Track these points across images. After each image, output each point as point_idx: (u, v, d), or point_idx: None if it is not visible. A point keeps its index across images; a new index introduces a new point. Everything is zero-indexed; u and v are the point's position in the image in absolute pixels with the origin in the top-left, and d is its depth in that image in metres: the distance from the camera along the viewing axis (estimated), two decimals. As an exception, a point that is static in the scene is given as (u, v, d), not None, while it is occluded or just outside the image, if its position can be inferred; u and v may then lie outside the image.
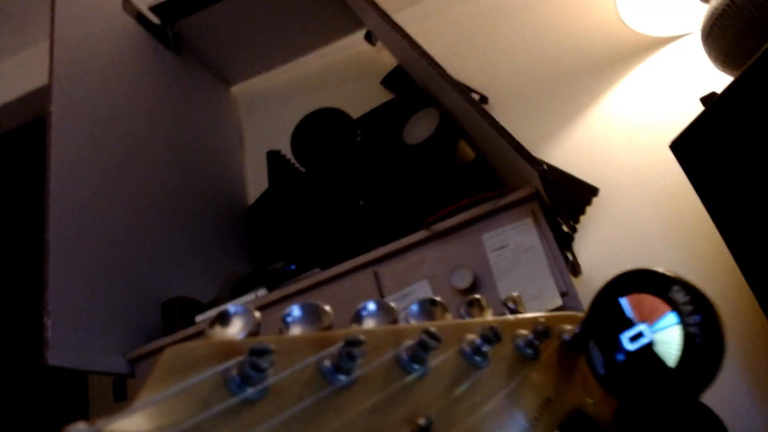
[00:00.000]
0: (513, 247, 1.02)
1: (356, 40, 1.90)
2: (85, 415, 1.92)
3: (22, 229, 2.05)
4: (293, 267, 1.26)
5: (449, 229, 1.09)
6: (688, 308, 0.27)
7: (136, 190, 1.44)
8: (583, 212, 1.46)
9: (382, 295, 1.09)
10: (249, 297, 1.21)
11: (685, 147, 1.16)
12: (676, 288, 0.27)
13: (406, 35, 1.22)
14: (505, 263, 1.02)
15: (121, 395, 1.94)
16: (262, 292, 1.21)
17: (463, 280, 1.02)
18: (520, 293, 0.96)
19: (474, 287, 1.02)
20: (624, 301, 0.29)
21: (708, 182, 1.12)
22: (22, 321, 1.88)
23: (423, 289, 1.06)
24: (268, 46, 1.92)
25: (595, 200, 1.47)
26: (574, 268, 1.28)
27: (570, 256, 1.19)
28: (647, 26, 1.52)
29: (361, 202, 1.50)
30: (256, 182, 1.92)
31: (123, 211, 1.37)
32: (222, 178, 1.84)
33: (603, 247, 1.42)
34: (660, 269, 0.29)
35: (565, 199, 1.44)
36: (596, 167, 1.50)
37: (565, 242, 1.16)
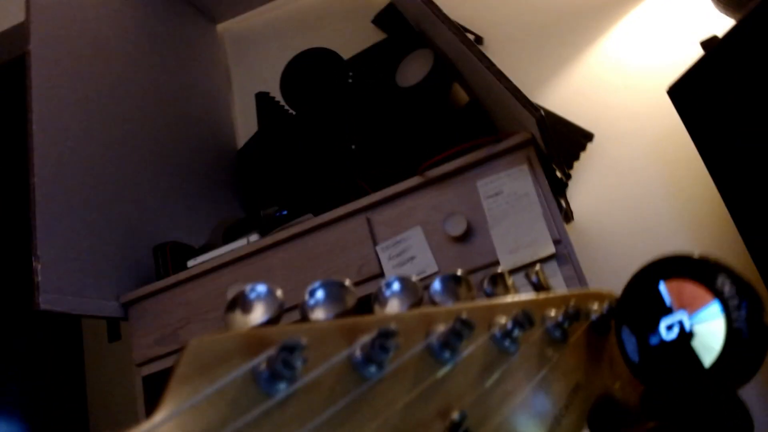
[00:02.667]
0: (507, 194, 1.01)
1: (347, -25, 1.83)
2: (80, 356, 1.95)
3: (7, 172, 2.01)
4: (285, 212, 1.25)
5: (443, 176, 1.08)
6: (735, 301, 0.26)
7: (122, 132, 1.41)
8: (577, 158, 1.45)
9: (375, 242, 1.09)
10: (241, 242, 1.20)
11: (683, 92, 1.14)
12: (722, 277, 0.26)
13: (400, -28, 1.17)
14: (499, 210, 1.01)
15: (115, 336, 1.96)
16: (254, 237, 1.20)
17: (457, 227, 1.01)
18: (516, 240, 0.96)
19: (468, 234, 1.02)
20: (663, 287, 0.28)
21: (705, 129, 1.11)
22: (13, 265, 1.87)
23: (416, 236, 1.05)
24: (255, -19, 1.84)
25: (589, 145, 1.45)
26: (567, 215, 1.28)
27: (563, 203, 1.19)
28: (649, -36, 1.47)
29: (353, 146, 1.48)
30: (245, 124, 1.88)
31: (109, 153, 1.34)
32: (210, 120, 1.80)
33: (596, 193, 1.42)
34: (705, 255, 0.28)
35: (560, 145, 1.43)
36: (592, 112, 1.48)
37: (559, 189, 1.16)
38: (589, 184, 1.43)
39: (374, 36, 1.73)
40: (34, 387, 1.90)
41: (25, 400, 1.88)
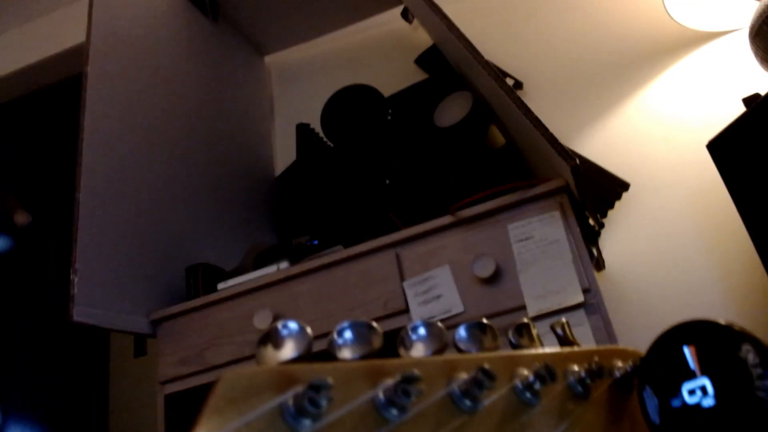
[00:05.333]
0: (538, 239, 1.01)
1: (392, 16, 1.88)
2: (105, 369, 1.98)
3: (55, 186, 2.09)
4: (316, 242, 1.27)
5: (475, 217, 1.08)
6: (758, 371, 0.25)
7: (167, 155, 1.46)
8: (611, 207, 1.44)
9: (402, 278, 1.10)
10: (271, 269, 1.22)
11: (722, 148, 1.13)
12: (746, 347, 0.26)
13: (443, 15, 1.20)
14: (529, 255, 1.01)
15: (140, 351, 1.99)
16: (284, 264, 1.22)
17: (485, 269, 1.01)
18: (544, 286, 0.95)
19: (496, 276, 1.02)
20: (687, 350, 0.28)
21: (743, 185, 1.09)
22: (49, 278, 1.93)
23: (444, 275, 1.06)
24: (304, 17, 1.90)
25: (624, 195, 1.44)
26: (598, 263, 1.26)
27: (595, 251, 1.18)
28: (693, 20, 1.47)
29: (388, 182, 1.50)
30: (284, 154, 1.93)
31: (153, 175, 1.39)
32: (251, 148, 1.85)
33: (629, 244, 1.40)
34: (730, 323, 0.28)
35: (594, 193, 1.42)
36: (629, 162, 1.48)
37: (591, 237, 1.15)
38: (622, 234, 1.41)
39: (416, 76, 1.77)
40: (59, 394, 1.93)
41: (49, 405, 1.92)
